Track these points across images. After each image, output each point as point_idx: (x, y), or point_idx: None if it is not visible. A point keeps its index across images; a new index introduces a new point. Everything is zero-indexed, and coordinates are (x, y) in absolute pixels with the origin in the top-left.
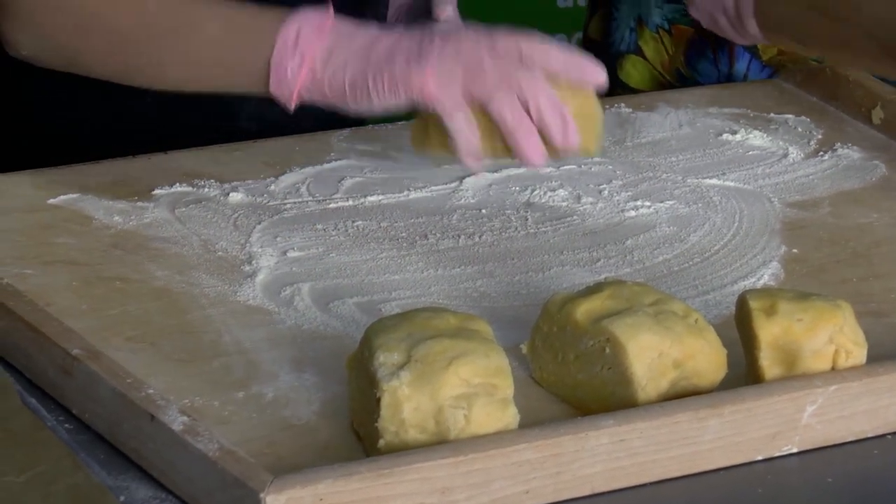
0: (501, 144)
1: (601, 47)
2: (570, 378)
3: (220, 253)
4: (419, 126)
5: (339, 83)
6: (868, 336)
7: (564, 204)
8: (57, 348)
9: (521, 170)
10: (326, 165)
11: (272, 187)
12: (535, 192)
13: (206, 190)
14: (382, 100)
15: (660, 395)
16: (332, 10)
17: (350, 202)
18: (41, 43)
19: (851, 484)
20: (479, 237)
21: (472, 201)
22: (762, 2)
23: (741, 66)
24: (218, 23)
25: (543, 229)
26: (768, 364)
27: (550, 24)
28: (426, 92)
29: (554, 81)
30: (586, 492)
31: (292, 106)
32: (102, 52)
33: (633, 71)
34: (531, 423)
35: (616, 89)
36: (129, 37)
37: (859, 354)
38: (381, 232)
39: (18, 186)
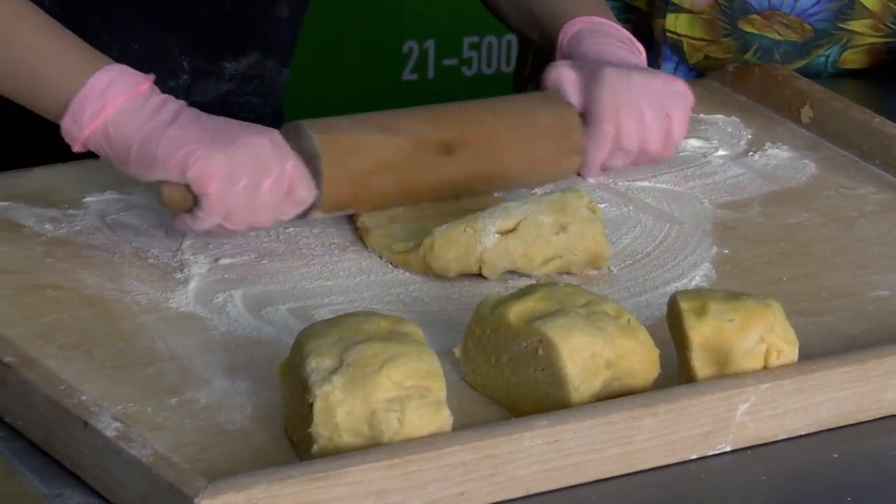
0: None
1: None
2: (504, 380)
3: (151, 260)
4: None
5: (125, 145)
6: (799, 335)
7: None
8: None
9: None
10: None
11: None
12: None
13: (137, 197)
14: (162, 173)
15: (593, 395)
16: (153, 76)
17: None
18: None
19: (784, 481)
20: None
21: None
22: None
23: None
24: (44, 36)
25: None
26: (700, 364)
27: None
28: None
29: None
30: (521, 493)
31: (76, 148)
32: None
33: None
34: (465, 425)
35: None
36: None
37: (791, 353)
38: (312, 238)
39: None
